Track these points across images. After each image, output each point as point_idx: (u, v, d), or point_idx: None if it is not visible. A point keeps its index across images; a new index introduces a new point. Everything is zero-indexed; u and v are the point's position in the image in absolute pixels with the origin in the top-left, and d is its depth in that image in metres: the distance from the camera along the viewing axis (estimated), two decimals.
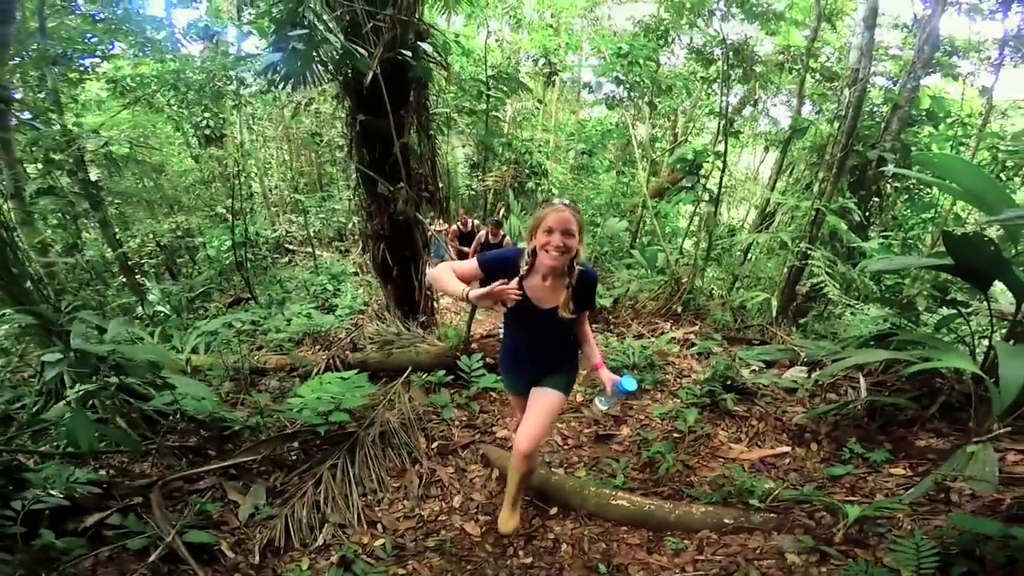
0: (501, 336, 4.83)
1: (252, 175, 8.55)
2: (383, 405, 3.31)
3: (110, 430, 2.60)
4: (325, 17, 3.89)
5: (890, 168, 5.58)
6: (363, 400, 3.00)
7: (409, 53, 3.97)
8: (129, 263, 6.74)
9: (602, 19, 9.91)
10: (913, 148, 6.36)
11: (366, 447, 2.95)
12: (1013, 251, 2.32)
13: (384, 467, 2.95)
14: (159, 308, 5.95)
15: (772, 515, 2.18)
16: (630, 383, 2.04)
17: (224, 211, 10.60)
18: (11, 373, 3.14)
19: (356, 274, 8.67)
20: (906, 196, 7.65)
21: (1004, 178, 6.41)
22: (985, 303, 2.60)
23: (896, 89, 6.81)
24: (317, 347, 5.52)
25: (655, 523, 2.28)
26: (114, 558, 2.13)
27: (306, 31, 3.68)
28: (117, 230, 6.77)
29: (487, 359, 4.00)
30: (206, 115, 9.91)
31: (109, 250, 6.04)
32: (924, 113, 6.74)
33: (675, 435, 3.04)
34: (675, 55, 8.53)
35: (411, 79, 4.36)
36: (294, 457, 2.99)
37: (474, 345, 4.27)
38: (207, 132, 10.53)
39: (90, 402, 2.62)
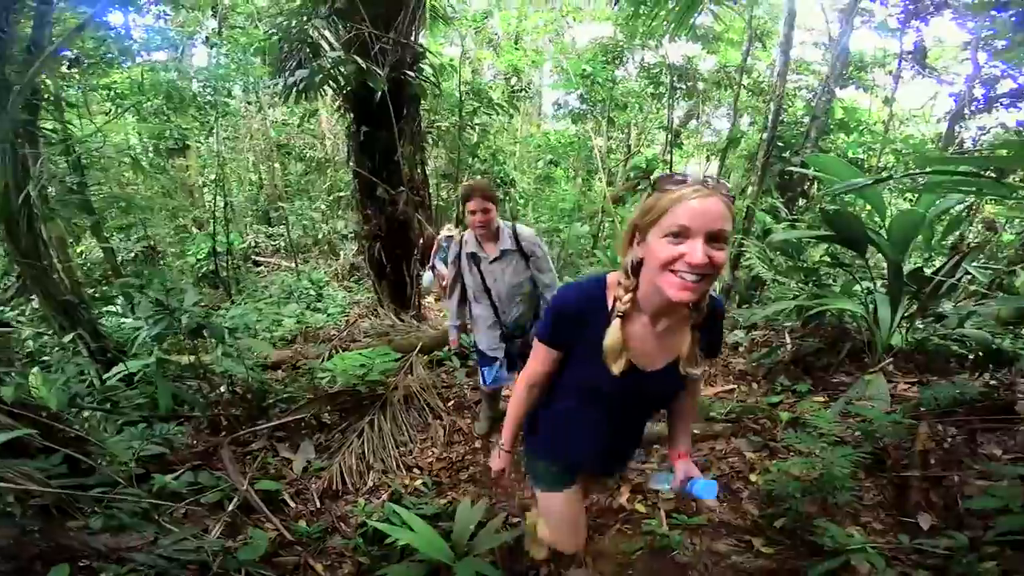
0: None
1: (224, 185, 8.75)
2: (403, 374, 3.84)
3: (182, 391, 2.99)
4: (328, 35, 4.45)
5: (794, 168, 6.63)
6: (392, 364, 3.52)
7: (412, 73, 4.54)
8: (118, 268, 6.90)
9: (564, 37, 10.76)
10: (831, 154, 7.47)
11: (395, 406, 3.48)
12: (883, 222, 3.15)
13: (410, 423, 3.48)
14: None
15: (729, 424, 2.91)
16: (710, 490, 1.41)
17: (192, 223, 10.71)
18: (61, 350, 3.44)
19: (330, 281, 8.99)
20: (827, 198, 8.82)
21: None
22: (863, 263, 3.46)
23: (814, 102, 7.92)
24: (311, 344, 5.91)
25: (644, 439, 2.94)
26: (188, 515, 2.37)
27: (311, 50, 4.23)
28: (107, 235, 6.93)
29: None
30: (172, 125, 9.98)
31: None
32: (838, 123, 7.85)
33: None
34: (629, 73, 9.48)
35: (408, 96, 4.94)
36: (329, 420, 3.46)
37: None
38: (172, 144, 10.59)
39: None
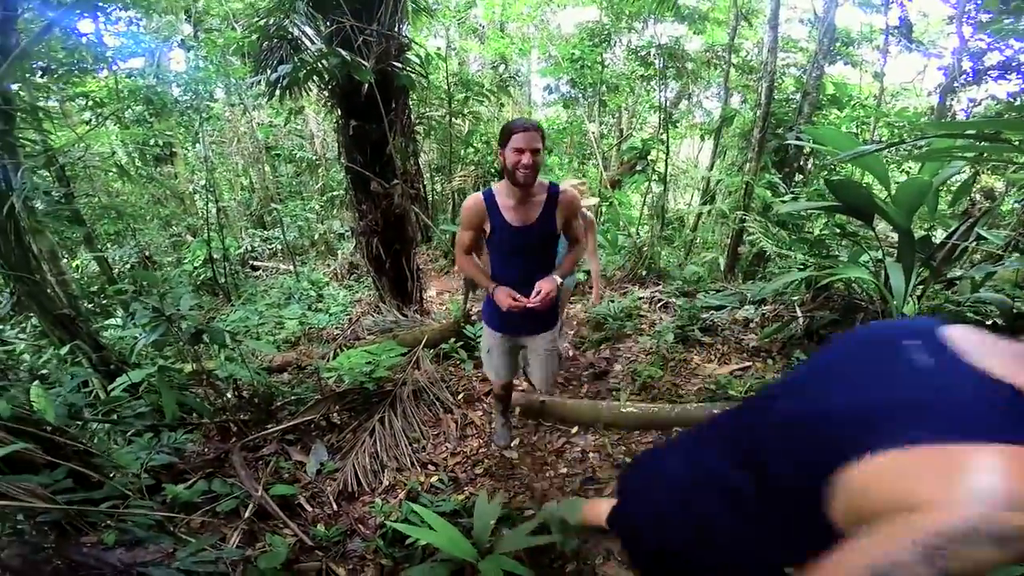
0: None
1: (215, 191, 8.63)
2: (410, 368, 3.78)
3: (188, 398, 2.92)
4: (308, 30, 4.35)
5: (790, 140, 6.59)
6: (399, 359, 3.46)
7: (399, 64, 4.44)
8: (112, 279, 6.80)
9: (550, 24, 10.62)
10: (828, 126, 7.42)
11: (404, 402, 3.42)
12: (886, 191, 3.10)
13: (421, 419, 3.42)
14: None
15: None
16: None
17: (185, 230, 10.56)
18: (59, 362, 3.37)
19: (330, 281, 8.91)
20: (825, 171, 8.81)
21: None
22: (872, 233, 3.41)
23: (804, 78, 7.87)
24: (315, 345, 5.85)
25: (661, 422, 2.91)
26: (205, 524, 2.33)
27: (292, 46, 4.13)
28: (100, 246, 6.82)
29: None
30: (154, 132, 9.82)
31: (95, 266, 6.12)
32: (829, 98, 7.80)
33: (660, 362, 3.71)
34: (617, 56, 9.38)
35: (397, 88, 4.83)
36: (338, 420, 3.40)
37: (473, 316, 4.80)
38: (156, 151, 10.43)
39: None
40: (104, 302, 3.69)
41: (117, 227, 8.24)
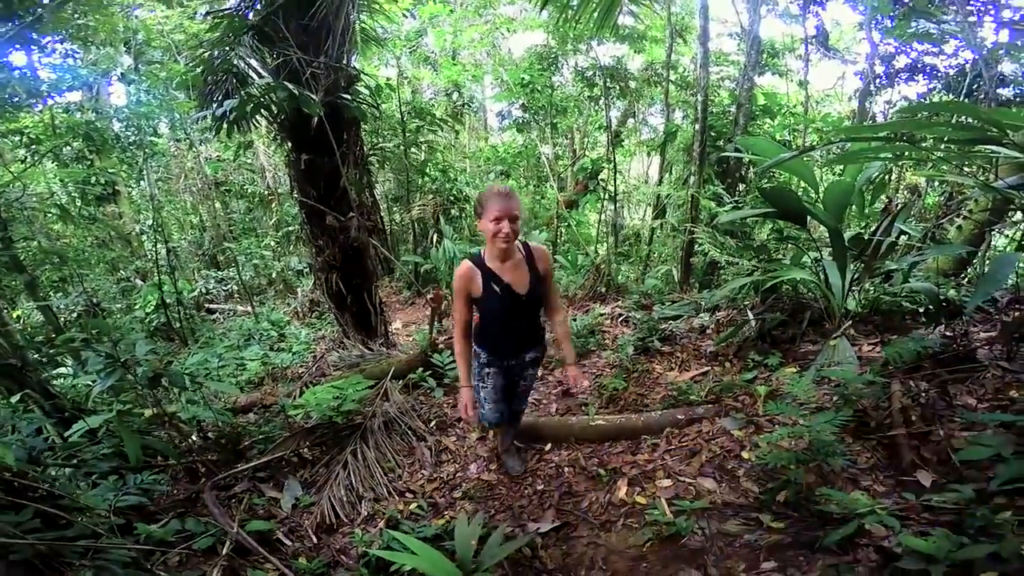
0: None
1: (163, 231, 8.34)
2: (379, 400, 3.76)
3: (152, 441, 2.82)
4: (254, 63, 4.36)
5: (728, 154, 6.98)
6: (365, 392, 3.45)
7: (348, 96, 4.49)
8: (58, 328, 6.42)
9: (501, 49, 10.88)
10: (759, 136, 7.87)
11: (376, 433, 3.40)
12: (817, 194, 3.36)
13: (394, 448, 3.40)
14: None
15: (711, 405, 2.99)
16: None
17: (134, 273, 10.13)
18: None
19: (291, 320, 8.69)
20: (765, 180, 9.31)
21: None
22: (805, 235, 3.67)
23: (737, 91, 8.35)
24: (279, 384, 5.70)
25: (629, 432, 3.00)
26: (183, 561, 2.28)
27: (238, 79, 4.12)
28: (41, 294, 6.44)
29: (454, 355, 4.56)
30: (95, 170, 9.40)
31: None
32: (761, 109, 8.30)
33: (623, 375, 3.82)
34: (565, 78, 9.72)
35: (348, 119, 4.87)
36: (310, 455, 3.34)
37: (440, 345, 4.81)
38: (99, 190, 9.99)
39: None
40: (52, 352, 3.51)
41: (61, 273, 7.84)
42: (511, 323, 2.44)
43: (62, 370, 4.39)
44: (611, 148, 8.95)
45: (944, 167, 2.94)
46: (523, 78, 7.69)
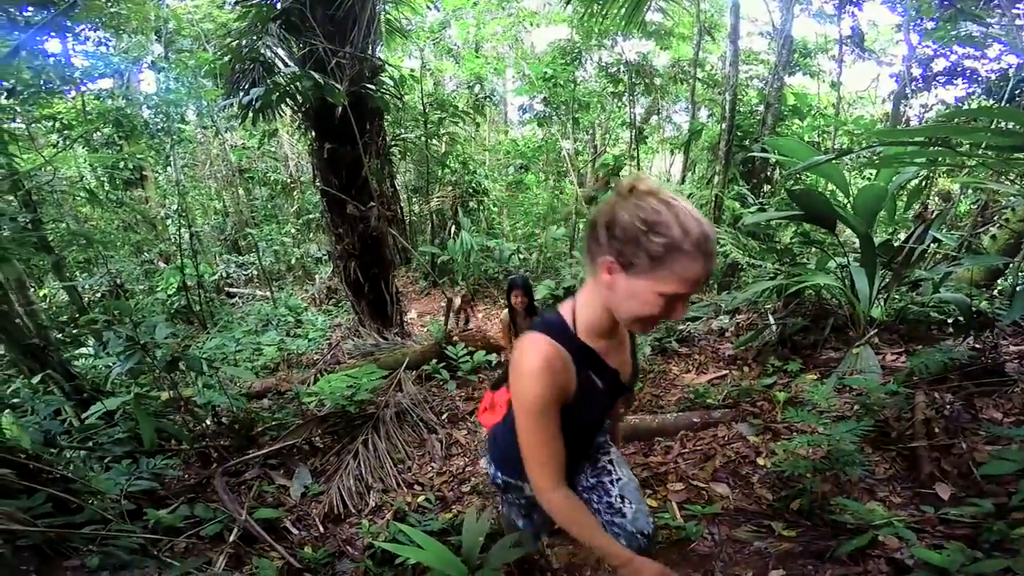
0: (473, 330, 5.40)
1: (187, 216, 8.50)
2: (392, 390, 3.77)
3: (166, 425, 2.86)
4: (281, 52, 4.38)
5: (755, 154, 6.82)
6: (380, 382, 3.45)
7: (373, 86, 4.49)
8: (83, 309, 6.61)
9: (524, 42, 10.81)
10: (790, 137, 7.69)
11: (388, 424, 3.41)
12: (847, 198, 3.24)
13: (405, 440, 3.41)
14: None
15: (727, 410, 2.93)
16: None
17: (157, 256, 10.35)
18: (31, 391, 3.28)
19: (308, 307, 8.81)
20: (791, 181, 9.11)
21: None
22: (832, 239, 3.55)
23: (767, 90, 8.18)
24: (294, 370, 5.77)
25: (643, 433, 2.95)
26: (189, 548, 2.28)
27: (264, 68, 4.15)
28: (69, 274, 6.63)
29: (469, 348, 4.56)
30: (124, 155, 9.63)
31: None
32: (791, 109, 8.11)
33: (640, 375, 3.77)
34: (588, 73, 9.62)
35: (371, 109, 4.87)
36: (321, 444, 3.36)
37: (455, 337, 4.81)
38: (127, 174, 10.22)
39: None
40: (75, 332, 3.59)
41: (87, 254, 8.04)
42: (595, 433, 1.54)
43: (84, 350, 4.50)
44: (635, 145, 8.86)
45: (982, 174, 2.82)
46: (545, 72, 7.62)
